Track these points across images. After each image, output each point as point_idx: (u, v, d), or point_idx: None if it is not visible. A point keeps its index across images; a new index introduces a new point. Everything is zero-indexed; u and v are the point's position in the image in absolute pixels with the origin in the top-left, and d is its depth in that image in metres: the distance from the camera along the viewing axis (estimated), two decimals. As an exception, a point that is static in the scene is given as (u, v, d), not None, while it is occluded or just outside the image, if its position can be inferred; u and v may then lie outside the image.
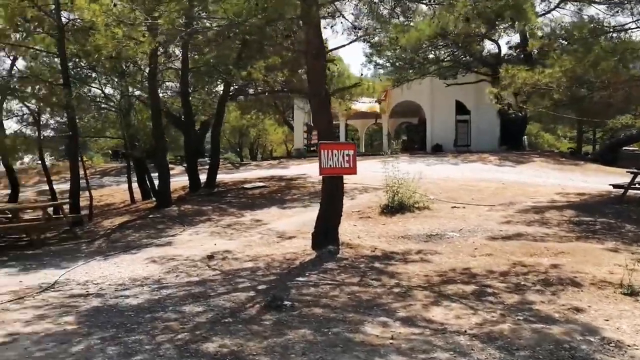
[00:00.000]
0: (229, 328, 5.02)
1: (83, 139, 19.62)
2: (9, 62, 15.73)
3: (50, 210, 12.30)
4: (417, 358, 4.20)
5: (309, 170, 20.66)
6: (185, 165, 22.02)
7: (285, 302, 5.72)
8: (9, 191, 19.75)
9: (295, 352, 4.33)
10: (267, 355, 4.28)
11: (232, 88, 17.97)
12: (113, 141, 28.49)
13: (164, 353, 4.37)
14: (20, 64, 16.93)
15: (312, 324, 5.08)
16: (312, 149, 35.58)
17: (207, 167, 17.89)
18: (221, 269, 7.89)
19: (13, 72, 15.27)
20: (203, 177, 17.35)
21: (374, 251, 8.48)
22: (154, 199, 16.70)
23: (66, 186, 23.66)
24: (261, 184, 17.66)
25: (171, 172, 20.54)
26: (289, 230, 10.77)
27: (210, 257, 8.71)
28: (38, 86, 11.70)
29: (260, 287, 6.60)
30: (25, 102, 12.39)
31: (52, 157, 29.49)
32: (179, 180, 19.36)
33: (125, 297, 6.31)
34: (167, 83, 20.49)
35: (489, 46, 27.42)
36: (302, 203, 14.09)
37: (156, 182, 15.66)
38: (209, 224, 12.12)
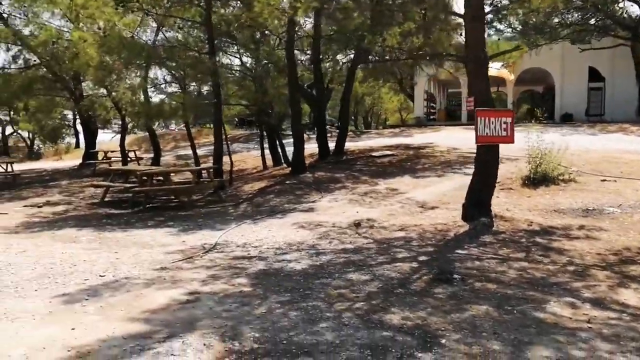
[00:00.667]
0: (404, 300, 4.88)
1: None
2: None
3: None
4: (627, 347, 3.80)
5: (436, 139, 20.10)
6: (309, 133, 22.35)
7: (455, 276, 5.49)
8: (151, 155, 21.22)
9: (485, 331, 4.10)
10: (456, 332, 4.08)
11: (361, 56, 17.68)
12: (237, 109, 29.44)
13: (347, 322, 4.32)
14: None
15: (491, 301, 4.81)
16: (431, 117, 34.71)
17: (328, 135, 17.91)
18: (372, 237, 7.80)
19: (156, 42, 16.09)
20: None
21: (530, 225, 7.98)
22: (284, 165, 17.07)
23: (200, 152, 25.12)
24: (389, 152, 17.41)
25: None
26: (429, 200, 10.47)
27: (357, 224, 8.66)
28: (184, 55, 12.15)
29: (420, 259, 6.41)
30: (172, 70, 12.92)
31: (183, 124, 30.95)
32: (306, 147, 19.66)
33: (287, 262, 6.40)
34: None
35: (629, 8, 24.82)
36: (435, 172, 13.68)
37: (288, 149, 15.97)
38: (344, 192, 12.11)
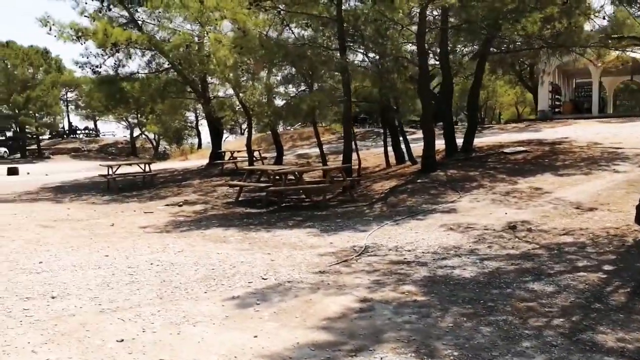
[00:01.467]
0: (609, 317, 4.30)
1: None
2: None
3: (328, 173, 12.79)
4: None
5: (570, 134, 18.67)
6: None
7: (660, 290, 4.78)
8: (272, 154, 21.61)
9: None
10: (695, 359, 3.45)
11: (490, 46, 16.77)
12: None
13: (553, 342, 3.83)
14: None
15: None
16: (556, 110, 32.51)
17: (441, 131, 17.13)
18: (534, 241, 7.16)
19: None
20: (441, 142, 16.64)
21: None
22: (408, 162, 16.61)
23: (315, 150, 25.27)
24: (521, 148, 16.37)
25: (412, 136, 20.38)
26: (583, 200, 9.57)
27: (513, 227, 8.04)
28: (316, 52, 12.05)
29: (605, 268, 5.72)
30: (302, 69, 12.88)
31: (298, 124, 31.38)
32: (422, 144, 19.03)
33: (451, 268, 5.97)
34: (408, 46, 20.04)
35: None
36: (579, 170, 12.58)
37: (413, 146, 15.48)
38: (483, 191, 11.44)
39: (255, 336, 4.13)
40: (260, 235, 8.53)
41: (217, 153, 22.01)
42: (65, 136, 63.29)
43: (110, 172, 16.95)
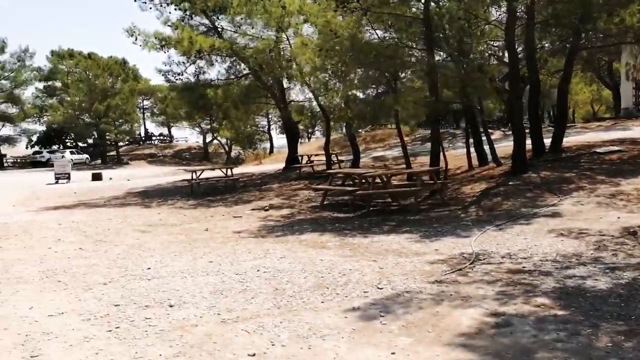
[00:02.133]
0: None
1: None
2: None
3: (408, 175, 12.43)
4: None
5: (665, 132, 17.49)
6: (504, 129, 20.70)
7: None
8: (346, 157, 21.43)
9: None
10: None
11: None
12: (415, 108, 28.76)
13: None
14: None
15: None
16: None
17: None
18: (666, 249, 6.55)
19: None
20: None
21: None
22: (493, 164, 15.96)
23: (393, 152, 24.89)
24: (615, 147, 15.40)
25: (491, 137, 19.61)
26: None
27: (634, 233, 7.43)
28: (403, 52, 11.74)
29: None
30: (388, 70, 12.59)
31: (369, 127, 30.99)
32: (502, 145, 18.33)
33: (581, 279, 5.52)
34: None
35: None
36: (689, 170, 11.63)
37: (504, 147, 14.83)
38: (584, 193, 10.75)
39: (393, 353, 3.89)
40: (358, 241, 8.30)
41: (293, 157, 22.05)
42: (141, 143, 65.81)
43: (194, 177, 17.25)
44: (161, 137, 69.05)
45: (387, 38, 13.84)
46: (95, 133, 54.93)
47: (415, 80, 12.99)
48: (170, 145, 64.57)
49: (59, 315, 4.95)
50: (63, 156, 48.96)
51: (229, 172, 18.19)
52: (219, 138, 50.39)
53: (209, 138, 55.04)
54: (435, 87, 12.50)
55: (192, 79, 19.92)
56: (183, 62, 19.73)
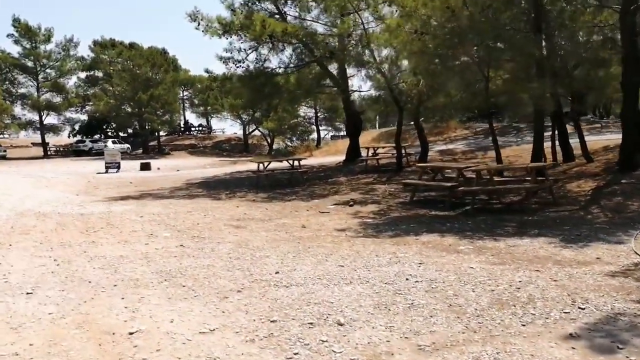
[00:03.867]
0: None
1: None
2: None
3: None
4: None
5: None
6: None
7: None
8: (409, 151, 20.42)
9: None
10: None
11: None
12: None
13: None
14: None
15: None
16: None
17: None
18: None
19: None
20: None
21: None
22: (583, 159, 14.79)
23: (453, 146, 23.76)
24: None
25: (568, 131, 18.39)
26: None
27: None
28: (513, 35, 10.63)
29: None
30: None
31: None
32: (595, 139, 17.18)
33: None
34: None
35: None
36: None
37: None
38: None
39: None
40: (492, 244, 7.31)
41: (354, 149, 21.11)
42: (180, 133, 65.63)
43: (262, 169, 16.47)
44: (200, 128, 68.80)
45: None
46: (135, 123, 54.86)
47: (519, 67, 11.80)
48: (210, 136, 64.22)
49: (211, 333, 4.11)
50: (106, 145, 48.96)
51: (296, 164, 17.34)
52: (260, 129, 49.67)
53: (246, 130, 54.50)
54: (543, 74, 11.34)
55: (252, 67, 19.06)
56: (244, 50, 18.91)
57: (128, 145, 52.97)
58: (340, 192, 14.29)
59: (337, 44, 15.82)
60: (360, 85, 24.67)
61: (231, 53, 19.28)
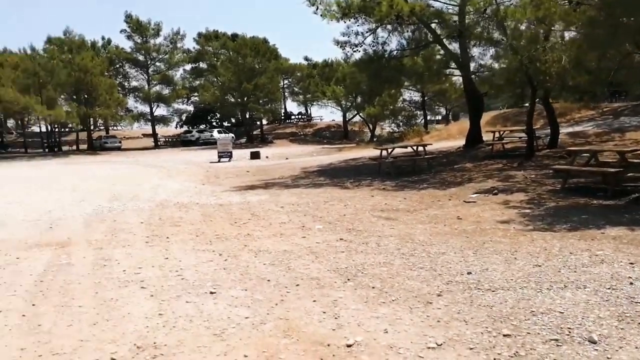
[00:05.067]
0: None
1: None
2: None
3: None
4: None
5: None
6: None
7: None
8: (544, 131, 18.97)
9: None
10: None
11: None
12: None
13: None
14: None
15: None
16: None
17: None
18: None
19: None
20: None
21: None
22: None
23: (585, 128, 21.90)
24: None
25: None
26: None
27: None
28: None
29: None
30: None
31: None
32: None
33: None
34: None
35: None
36: None
37: None
38: None
39: None
40: None
41: (477, 133, 19.94)
42: (281, 121, 66.59)
43: (385, 155, 15.84)
44: (300, 116, 69.42)
45: None
46: (238, 112, 56.16)
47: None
48: (310, 124, 64.62)
49: (440, 349, 3.54)
50: (211, 135, 50.45)
51: (419, 149, 16.56)
52: (361, 115, 49.08)
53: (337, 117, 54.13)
54: None
55: (370, 50, 18.40)
56: (362, 33, 18.28)
57: (232, 135, 54.34)
58: (475, 180, 13.36)
59: (464, 22, 14.77)
60: (486, 64, 23.11)
61: (348, 37, 18.73)
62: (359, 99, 47.15)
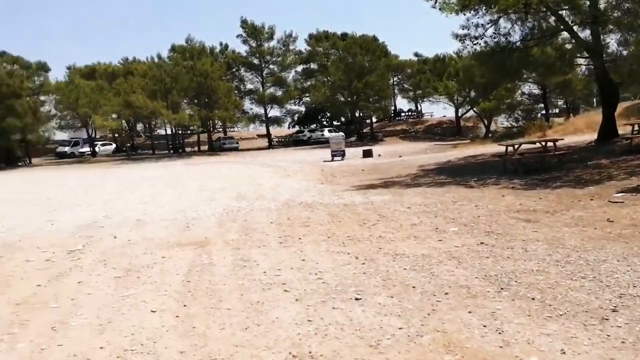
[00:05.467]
0: None
1: None
2: None
3: None
4: None
5: None
6: None
7: None
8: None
9: None
10: None
11: None
12: None
13: None
14: None
15: None
16: None
17: None
18: None
19: None
20: None
21: None
22: None
23: None
24: None
25: None
26: None
27: None
28: None
29: None
30: None
31: None
32: None
33: None
34: None
35: None
36: None
37: None
38: None
39: None
40: None
41: (611, 126, 18.33)
42: (390, 119, 66.01)
43: (511, 151, 14.98)
44: (409, 113, 68.41)
45: None
46: (348, 111, 56.39)
47: None
48: (421, 121, 63.47)
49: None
50: (322, 134, 51.05)
51: (549, 144, 15.49)
52: (475, 110, 47.33)
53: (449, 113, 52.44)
54: None
55: (492, 42, 17.52)
56: (482, 25, 17.48)
57: (342, 133, 54.66)
58: (616, 177, 12.21)
59: (598, 6, 13.55)
60: (619, 52, 21.26)
61: (468, 29, 18.00)
62: (472, 94, 45.51)
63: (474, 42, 17.86)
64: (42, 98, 51.43)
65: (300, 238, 7.50)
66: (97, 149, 52.42)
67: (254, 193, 13.64)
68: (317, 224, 8.52)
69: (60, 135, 60.32)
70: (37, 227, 10.09)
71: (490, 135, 45.42)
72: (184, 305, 4.84)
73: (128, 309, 4.86)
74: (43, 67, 57.28)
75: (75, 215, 11.34)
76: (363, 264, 5.89)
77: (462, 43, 18.19)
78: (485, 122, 46.89)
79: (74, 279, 6.04)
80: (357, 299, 4.73)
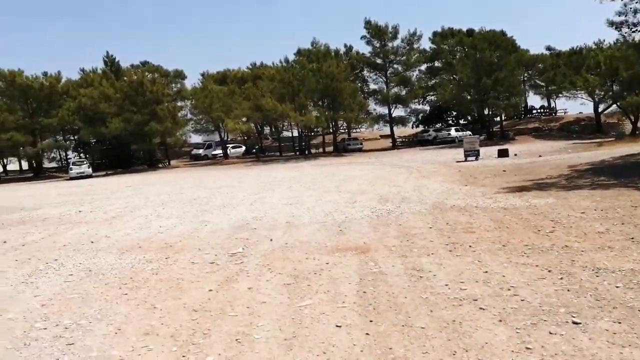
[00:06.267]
0: None
1: None
2: None
3: None
4: None
5: None
6: None
7: None
8: None
9: None
10: None
11: None
12: None
13: None
14: None
15: None
16: None
17: None
18: None
19: None
20: None
21: None
22: None
23: None
24: None
25: None
26: None
27: None
28: None
29: None
30: None
31: None
32: None
33: None
34: None
35: None
36: None
37: None
38: None
39: None
40: None
41: None
42: (521, 116, 62.45)
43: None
44: (542, 110, 64.30)
45: None
46: (475, 109, 54.10)
47: None
48: (555, 118, 59.36)
49: None
50: (449, 134, 49.41)
51: None
52: (619, 105, 43.22)
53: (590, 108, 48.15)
54: None
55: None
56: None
57: (469, 132, 52.54)
58: None
59: None
60: None
61: (625, 16, 16.19)
62: (614, 88, 41.72)
63: (632, 30, 16.04)
64: (179, 104, 54.93)
65: (470, 246, 6.87)
66: (228, 151, 54.85)
67: (396, 195, 13.14)
68: (483, 230, 7.82)
69: (194, 139, 64.12)
70: (192, 227, 10.33)
71: (637, 132, 41.33)
72: (370, 321, 4.44)
73: (310, 322, 4.55)
74: (180, 75, 61.35)
75: (224, 216, 11.53)
76: (561, 279, 5.15)
77: (618, 31, 16.41)
78: (632, 118, 42.66)
79: (243, 284, 5.90)
80: (575, 322, 4.04)
